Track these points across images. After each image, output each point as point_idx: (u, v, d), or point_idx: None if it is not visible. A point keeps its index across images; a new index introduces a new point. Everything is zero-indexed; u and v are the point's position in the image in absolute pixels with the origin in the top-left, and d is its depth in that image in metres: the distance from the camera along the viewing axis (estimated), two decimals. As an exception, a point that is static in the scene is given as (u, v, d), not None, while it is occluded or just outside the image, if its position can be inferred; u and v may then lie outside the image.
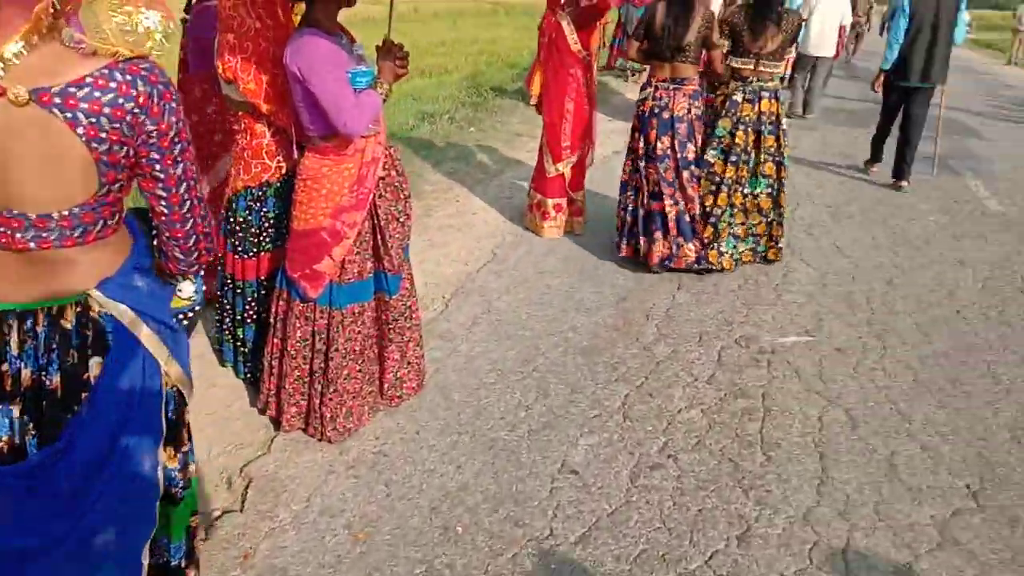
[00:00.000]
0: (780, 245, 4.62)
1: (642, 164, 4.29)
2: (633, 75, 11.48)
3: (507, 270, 4.45)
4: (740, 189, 4.41)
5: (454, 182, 6.11)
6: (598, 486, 2.60)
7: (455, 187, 5.99)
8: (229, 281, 2.94)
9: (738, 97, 4.36)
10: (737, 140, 4.35)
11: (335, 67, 2.27)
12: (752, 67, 4.33)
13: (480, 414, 2.98)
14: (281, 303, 2.64)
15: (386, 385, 2.85)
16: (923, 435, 2.99)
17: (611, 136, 7.97)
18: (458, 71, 14.50)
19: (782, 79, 5.82)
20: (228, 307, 3.00)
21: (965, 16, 6.60)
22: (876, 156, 7.01)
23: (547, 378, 3.27)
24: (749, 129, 4.36)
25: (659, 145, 4.21)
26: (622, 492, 2.58)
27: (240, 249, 2.85)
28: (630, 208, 4.42)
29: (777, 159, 4.43)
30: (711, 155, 4.38)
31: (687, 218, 4.26)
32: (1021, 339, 3.85)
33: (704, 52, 4.28)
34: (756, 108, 4.34)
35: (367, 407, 2.77)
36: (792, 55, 8.34)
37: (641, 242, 4.35)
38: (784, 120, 4.52)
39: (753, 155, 4.40)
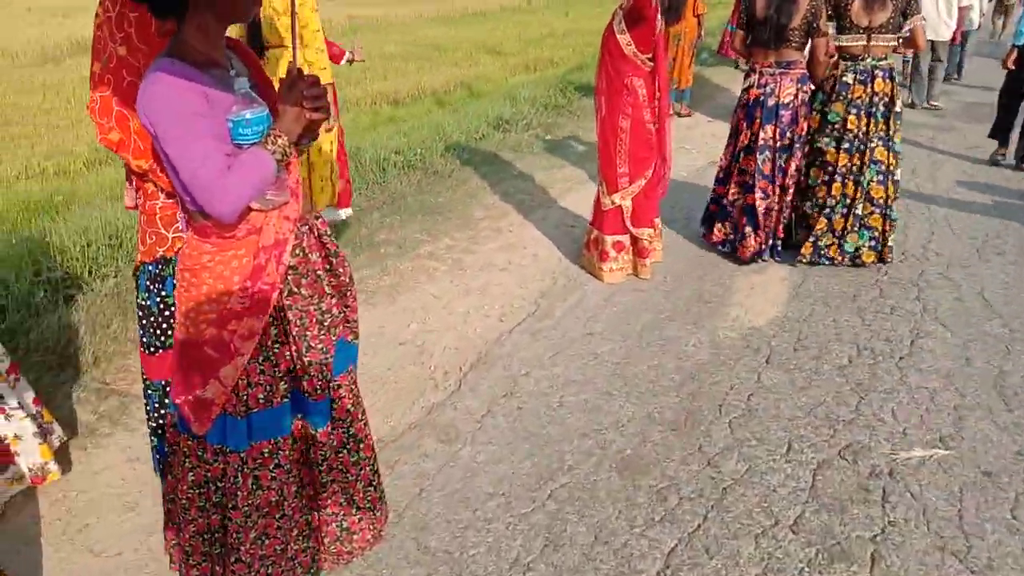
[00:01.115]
0: (891, 244, 4.26)
1: (742, 155, 4.17)
2: (744, 66, 10.28)
3: (548, 329, 3.60)
4: (854, 178, 4.12)
5: (511, 206, 5.30)
6: None
7: (510, 213, 5.18)
8: (143, 379, 2.26)
9: (849, 78, 4.07)
10: (849, 125, 4.08)
11: (193, 117, 1.51)
12: (864, 43, 4.02)
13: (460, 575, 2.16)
14: (171, 432, 1.91)
15: (327, 539, 2.07)
16: None
17: (710, 141, 6.94)
18: (565, 64, 13.73)
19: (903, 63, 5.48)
20: (145, 409, 2.32)
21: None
22: (1004, 142, 6.41)
23: (565, 513, 2.41)
24: (862, 112, 4.07)
25: (761, 134, 4.06)
26: None
27: (144, 340, 2.15)
28: (722, 200, 4.33)
29: (889, 144, 4.11)
30: (824, 142, 4.16)
31: (776, 212, 4.16)
32: None
33: (809, 40, 4.03)
34: (869, 89, 4.04)
35: (299, 569, 2.00)
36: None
37: (730, 234, 4.31)
38: (899, 103, 4.14)
39: (866, 141, 4.10)
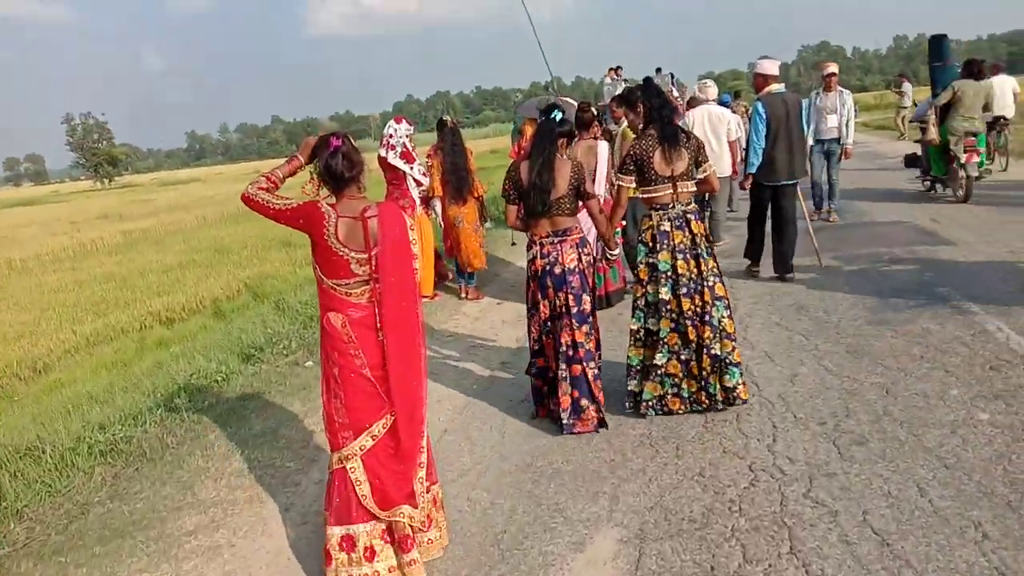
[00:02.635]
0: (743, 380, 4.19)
1: (548, 324, 4.15)
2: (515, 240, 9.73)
3: None
4: (701, 320, 4.08)
5: (240, 495, 3.88)
6: None
7: (234, 514, 3.73)
8: None
9: (666, 226, 4.14)
10: (681, 270, 4.10)
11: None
12: (671, 191, 4.13)
13: None
14: None
15: None
16: None
17: (502, 328, 5.94)
18: None
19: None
20: None
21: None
22: (756, 258, 7.08)
23: None
24: (688, 256, 4.12)
25: (557, 301, 4.08)
26: None
27: None
28: (540, 371, 4.30)
29: (721, 279, 4.20)
30: (664, 292, 4.11)
31: (589, 376, 4.04)
32: None
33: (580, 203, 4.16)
34: (688, 232, 4.13)
35: None
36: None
37: (552, 404, 4.23)
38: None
39: (701, 281, 4.12)
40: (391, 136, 7.00)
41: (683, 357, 4.09)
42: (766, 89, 6.37)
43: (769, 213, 6.79)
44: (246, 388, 5.39)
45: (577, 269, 4.04)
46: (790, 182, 6.60)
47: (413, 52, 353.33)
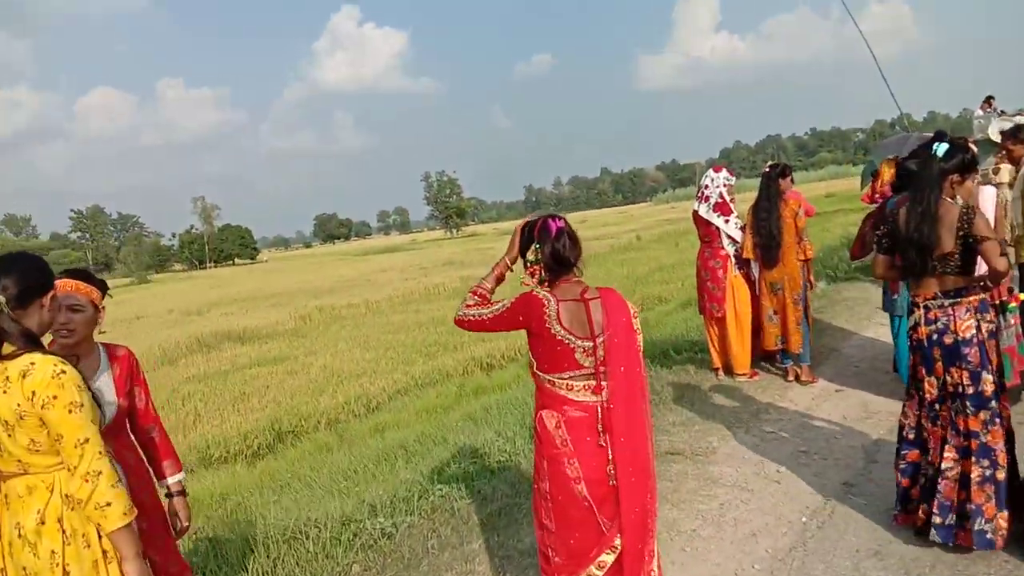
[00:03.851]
0: None
1: (936, 407, 3.36)
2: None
3: None
4: None
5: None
6: None
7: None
8: None
9: None
10: None
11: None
12: None
13: None
14: None
15: None
16: None
17: (846, 419, 4.56)
18: (676, 298, 12.65)
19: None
20: None
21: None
22: None
23: None
24: None
25: (948, 379, 3.28)
26: None
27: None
28: (911, 467, 3.47)
29: None
30: None
31: (989, 477, 3.16)
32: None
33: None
34: None
35: None
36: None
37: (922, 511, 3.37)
38: None
39: None
40: (706, 187, 6.02)
41: None
42: None
43: None
44: (527, 473, 4.73)
45: (975, 340, 3.25)
46: None
47: (743, 97, 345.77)
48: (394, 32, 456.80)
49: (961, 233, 3.20)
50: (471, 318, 2.59)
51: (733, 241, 5.94)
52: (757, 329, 6.00)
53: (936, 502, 3.27)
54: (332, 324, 21.05)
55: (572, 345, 2.49)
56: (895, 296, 5.22)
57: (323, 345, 16.69)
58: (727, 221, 5.90)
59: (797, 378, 5.90)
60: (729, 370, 6.19)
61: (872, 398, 5.28)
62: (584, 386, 2.52)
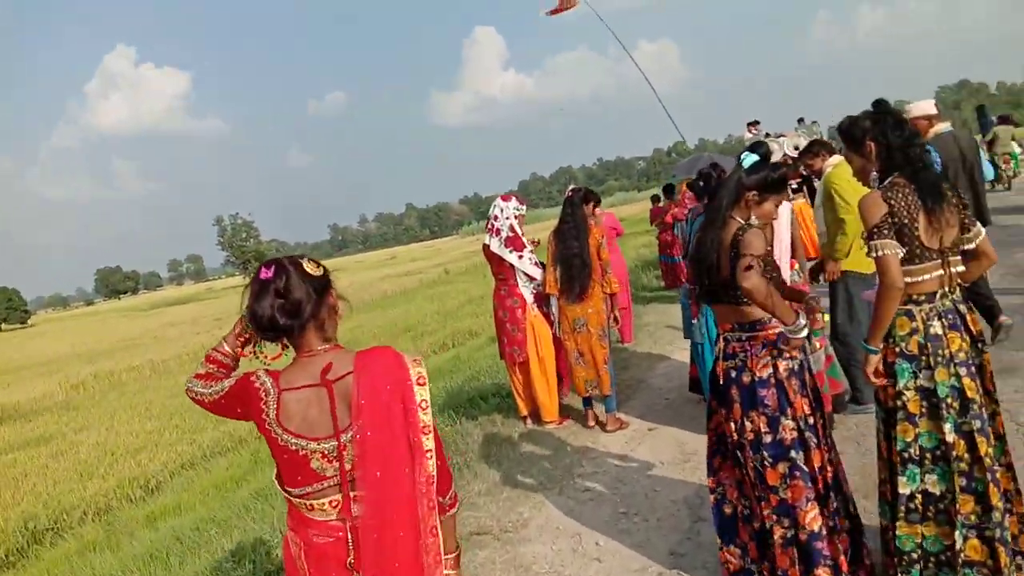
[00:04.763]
0: None
1: (738, 454, 2.87)
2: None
3: None
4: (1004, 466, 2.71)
5: None
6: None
7: None
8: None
9: (936, 327, 2.63)
10: (969, 394, 2.60)
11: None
12: (942, 271, 2.65)
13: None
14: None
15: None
16: None
17: (659, 467, 4.08)
18: (486, 332, 12.23)
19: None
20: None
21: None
22: None
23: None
24: (973, 368, 2.65)
25: (746, 424, 2.81)
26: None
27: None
28: (724, 508, 3.01)
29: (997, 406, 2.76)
30: (948, 431, 2.60)
31: (791, 539, 2.73)
32: None
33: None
34: (965, 335, 2.66)
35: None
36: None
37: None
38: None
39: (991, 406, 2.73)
40: (495, 218, 5.47)
41: (988, 534, 2.60)
42: (932, 131, 5.46)
43: None
44: None
45: (771, 380, 2.79)
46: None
47: (535, 131, 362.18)
48: (176, 72, 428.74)
49: (733, 253, 2.71)
50: (196, 395, 1.96)
51: (530, 279, 5.41)
52: (561, 373, 5.49)
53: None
54: (110, 392, 18.82)
55: (303, 452, 1.82)
56: (694, 320, 4.94)
57: (97, 418, 14.76)
58: (521, 257, 5.36)
59: (601, 425, 5.40)
60: (537, 417, 5.62)
61: (687, 436, 4.92)
62: (330, 502, 1.85)
